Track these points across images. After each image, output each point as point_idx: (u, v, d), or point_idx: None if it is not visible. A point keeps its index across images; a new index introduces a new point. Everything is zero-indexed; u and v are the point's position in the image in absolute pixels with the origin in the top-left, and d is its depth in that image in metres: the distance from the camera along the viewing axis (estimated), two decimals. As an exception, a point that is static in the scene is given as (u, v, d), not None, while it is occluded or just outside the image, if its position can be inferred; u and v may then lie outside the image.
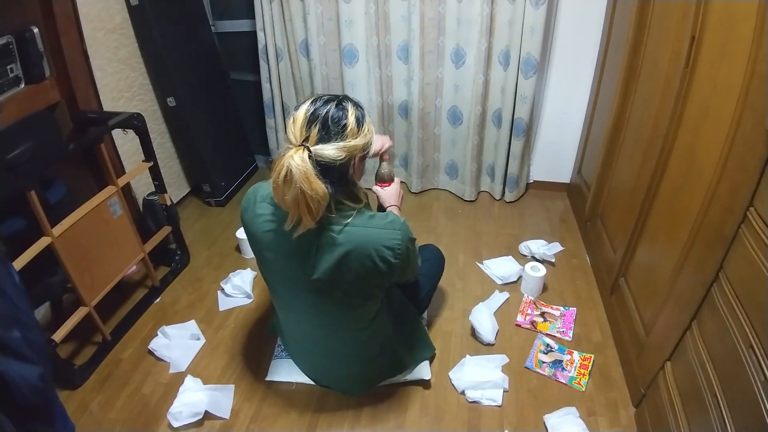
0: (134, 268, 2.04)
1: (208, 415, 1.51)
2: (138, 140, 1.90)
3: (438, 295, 1.94)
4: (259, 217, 1.20)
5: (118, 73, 2.10)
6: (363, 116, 1.10)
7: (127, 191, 2.09)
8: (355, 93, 2.40)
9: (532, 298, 1.90)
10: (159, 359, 1.72)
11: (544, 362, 1.65)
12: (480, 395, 1.54)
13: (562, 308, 1.86)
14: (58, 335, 1.55)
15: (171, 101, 2.30)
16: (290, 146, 1.02)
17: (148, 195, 2.15)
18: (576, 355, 1.67)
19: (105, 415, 1.54)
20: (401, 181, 2.30)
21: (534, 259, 2.12)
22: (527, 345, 1.72)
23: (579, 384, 1.58)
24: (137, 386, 1.63)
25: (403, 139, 2.54)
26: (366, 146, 1.11)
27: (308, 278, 1.18)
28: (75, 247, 1.57)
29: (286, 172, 0.99)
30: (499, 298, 1.92)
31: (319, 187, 1.00)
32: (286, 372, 1.62)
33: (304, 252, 1.16)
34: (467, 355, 1.66)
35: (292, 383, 1.62)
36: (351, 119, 1.05)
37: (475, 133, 2.34)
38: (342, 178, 1.09)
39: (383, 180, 1.64)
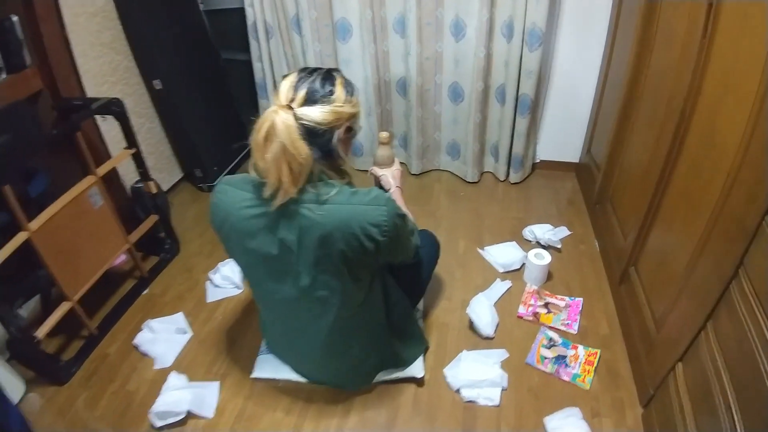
0: (123, 258, 1.98)
1: (191, 414, 1.45)
2: (135, 121, 1.86)
3: (435, 284, 1.84)
4: (240, 201, 1.12)
5: (102, 57, 2.02)
6: (352, 88, 1.08)
7: (114, 179, 2.02)
8: (350, 70, 2.26)
9: (536, 288, 1.79)
10: (144, 354, 1.67)
11: (546, 358, 1.55)
12: (476, 394, 1.45)
13: (567, 298, 1.75)
14: (41, 332, 1.50)
15: (157, 84, 2.21)
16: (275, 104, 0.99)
17: (136, 183, 2.07)
18: (581, 349, 1.56)
19: (90, 413, 1.50)
20: (401, 163, 2.20)
21: (539, 244, 2.00)
22: (529, 339, 1.62)
23: (583, 382, 1.47)
24: (123, 382, 1.58)
25: (401, 118, 2.40)
26: (353, 118, 1.08)
27: (292, 263, 1.12)
28: (54, 241, 1.51)
29: (269, 127, 0.95)
30: (500, 287, 1.81)
31: (302, 146, 0.97)
32: (272, 369, 1.55)
33: (286, 235, 1.09)
34: (464, 351, 1.57)
35: (278, 380, 1.54)
36: (339, 86, 1.04)
37: (477, 111, 2.20)
38: (326, 147, 1.04)
39: (383, 162, 1.54)
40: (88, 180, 1.63)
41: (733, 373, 0.96)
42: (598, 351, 1.55)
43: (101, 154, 1.89)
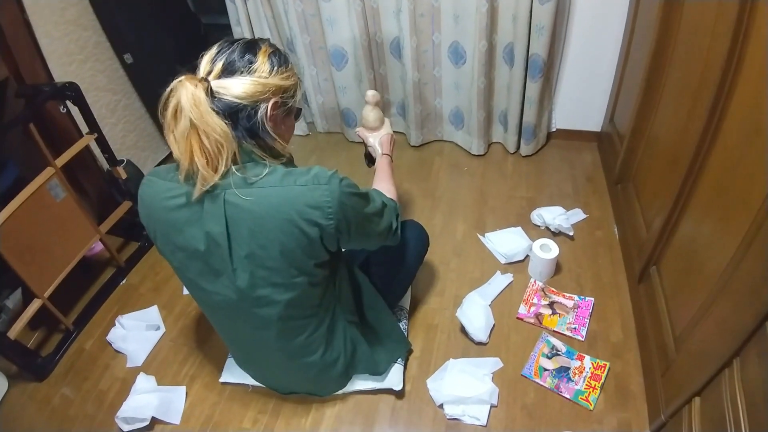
0: (100, 246, 1.87)
1: (158, 419, 1.37)
2: (103, 101, 1.82)
3: (427, 275, 1.65)
4: (164, 192, 0.97)
5: (68, 35, 1.88)
6: (282, 59, 0.96)
7: (89, 164, 1.88)
8: (336, 30, 1.99)
9: (541, 284, 1.57)
10: (117, 352, 1.59)
11: (546, 370, 1.35)
12: (461, 411, 1.28)
13: (576, 297, 1.52)
14: (14, 331, 1.47)
15: (128, 58, 2.07)
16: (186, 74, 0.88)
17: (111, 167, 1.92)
18: (587, 361, 1.35)
19: (65, 412, 1.45)
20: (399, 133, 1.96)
21: (548, 231, 1.75)
22: (528, 345, 1.42)
23: (587, 400, 1.27)
24: (96, 380, 1.52)
25: (398, 83, 2.14)
26: (284, 92, 0.95)
27: (224, 259, 0.97)
28: (16, 239, 1.43)
29: (176, 102, 0.84)
30: (500, 281, 1.60)
31: (216, 121, 0.85)
32: (241, 373, 1.42)
33: (212, 227, 0.94)
34: (450, 359, 1.38)
35: (247, 386, 1.42)
36: (262, 56, 0.92)
37: (481, 74, 1.91)
38: (252, 125, 0.92)
39: (370, 125, 1.40)
40: (47, 173, 1.53)
41: (753, 420, 0.78)
42: (607, 364, 1.34)
43: (69, 138, 1.75)
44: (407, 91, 2.07)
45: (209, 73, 0.89)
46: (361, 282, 1.27)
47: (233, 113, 0.89)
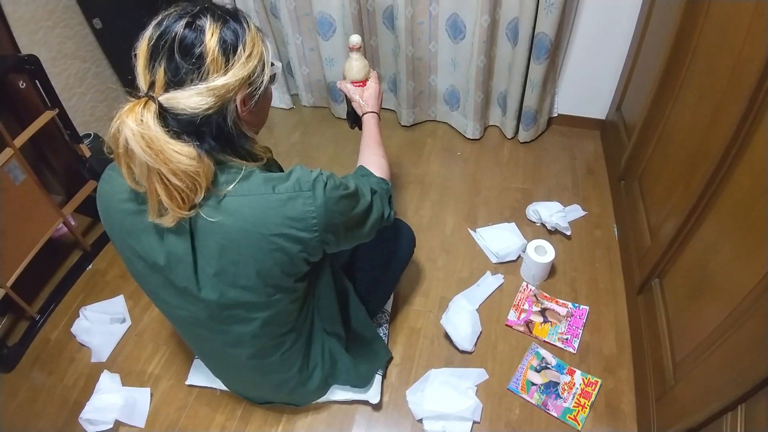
0: (63, 228, 1.73)
1: (122, 422, 1.29)
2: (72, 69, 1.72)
3: (412, 273, 1.54)
4: (121, 193, 0.81)
5: (35, 0, 1.71)
6: (239, 34, 0.74)
7: (58, 138, 1.71)
8: (325, -3, 1.80)
9: (533, 288, 1.46)
10: (82, 345, 1.49)
11: (534, 384, 1.26)
12: (441, 428, 1.20)
13: (570, 305, 1.42)
14: None
15: (97, 23, 1.89)
16: (129, 100, 0.69)
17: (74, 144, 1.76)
18: (578, 376, 1.27)
19: (31, 407, 1.37)
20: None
21: (544, 228, 1.64)
22: (516, 356, 1.33)
23: (575, 420, 1.20)
24: (61, 374, 1.44)
25: (389, 57, 1.96)
26: (252, 75, 0.76)
27: (188, 276, 0.83)
28: None
29: (125, 143, 0.67)
30: (489, 283, 1.49)
31: (179, 151, 0.68)
32: (209, 375, 1.32)
33: (174, 241, 0.80)
34: (432, 370, 1.29)
35: (215, 390, 1.32)
36: (211, 43, 0.71)
37: (481, 52, 1.74)
38: (222, 133, 0.76)
39: (354, 76, 1.22)
40: (5, 154, 1.39)
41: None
42: (599, 381, 1.26)
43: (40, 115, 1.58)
44: (400, 66, 1.90)
45: (152, 85, 0.71)
46: (347, 288, 1.15)
47: (196, 128, 0.72)
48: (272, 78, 0.82)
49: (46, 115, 1.53)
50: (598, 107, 1.93)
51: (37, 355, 1.48)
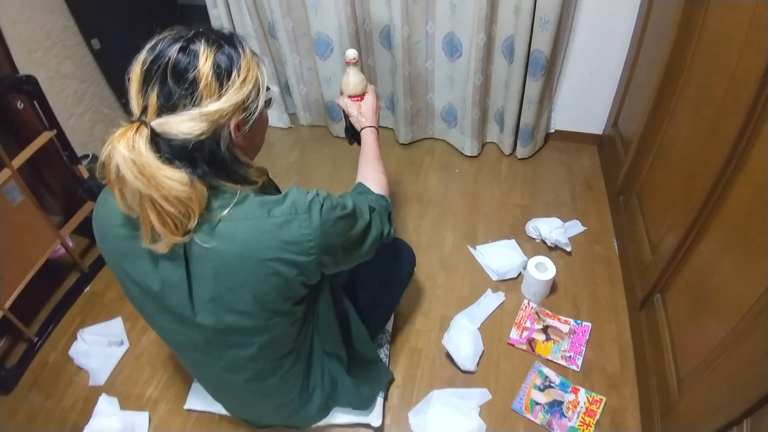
0: (61, 250, 1.72)
1: None
2: (70, 90, 1.72)
3: (412, 292, 1.53)
4: (117, 217, 0.79)
5: (33, 20, 1.72)
6: (233, 59, 0.73)
7: (55, 158, 1.71)
8: (321, 16, 1.82)
9: (534, 306, 1.45)
10: (80, 367, 1.47)
11: (538, 404, 1.24)
12: (445, 451, 1.17)
13: (572, 322, 1.41)
14: None
15: (95, 43, 1.92)
16: (122, 124, 0.68)
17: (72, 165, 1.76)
18: (582, 394, 1.25)
19: (29, 429, 1.34)
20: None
21: (544, 244, 1.63)
22: (519, 375, 1.31)
23: (581, 440, 1.17)
24: (59, 397, 1.41)
25: (387, 75, 1.97)
26: (246, 103, 0.75)
27: (183, 303, 0.81)
28: None
29: (116, 169, 0.66)
30: (491, 301, 1.48)
31: (171, 177, 0.67)
32: (208, 400, 1.29)
33: (169, 268, 0.79)
34: (435, 390, 1.27)
35: (214, 414, 1.30)
36: (204, 68, 0.70)
37: (478, 69, 1.75)
38: (216, 159, 0.74)
39: (351, 90, 1.21)
40: (3, 175, 1.38)
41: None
42: (603, 399, 1.24)
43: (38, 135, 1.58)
44: (397, 85, 1.92)
45: (144, 110, 0.70)
46: (347, 308, 1.14)
47: (189, 154, 0.70)
48: (267, 103, 0.82)
49: (44, 136, 1.53)
50: (594, 122, 1.94)
51: (35, 378, 1.46)
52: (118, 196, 0.71)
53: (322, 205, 0.78)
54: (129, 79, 0.72)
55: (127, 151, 0.65)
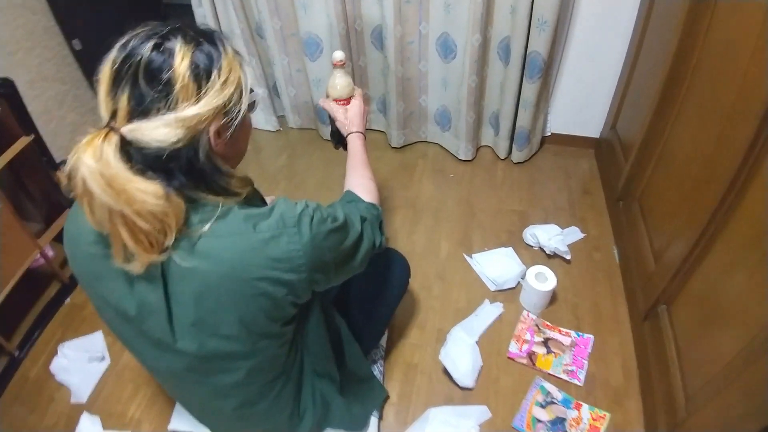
0: (42, 259, 1.65)
1: None
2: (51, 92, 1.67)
3: (407, 304, 1.47)
4: (87, 234, 0.72)
5: (14, 20, 1.66)
6: (213, 58, 0.66)
7: (35, 164, 1.63)
8: (310, 15, 1.75)
9: (534, 317, 1.40)
10: (61, 384, 1.40)
11: (540, 421, 1.19)
12: (444, 473, 1.11)
13: (574, 333, 1.36)
14: None
15: (76, 44, 1.84)
16: (90, 131, 0.61)
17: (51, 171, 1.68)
18: (585, 411, 1.20)
19: None
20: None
21: (542, 252, 1.58)
22: (520, 391, 1.26)
23: (585, 460, 1.12)
24: (41, 414, 1.34)
25: (378, 77, 1.91)
26: (228, 104, 0.68)
27: (162, 328, 0.74)
28: None
29: (83, 183, 0.59)
30: (488, 312, 1.43)
31: (144, 190, 0.61)
32: (193, 420, 1.22)
33: (145, 290, 0.72)
34: (431, 408, 1.21)
35: (199, 436, 1.23)
36: (180, 67, 0.63)
37: (473, 71, 1.70)
38: (194, 169, 0.67)
39: (337, 94, 1.15)
40: None
41: None
42: (607, 415, 1.19)
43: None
44: (389, 87, 1.86)
45: (114, 115, 0.63)
46: (339, 325, 1.08)
47: (164, 163, 0.64)
48: (251, 106, 0.75)
49: (22, 141, 1.46)
50: (591, 126, 1.89)
51: (18, 392, 1.39)
52: (86, 210, 0.64)
53: (312, 218, 0.72)
54: (98, 80, 0.65)
55: (93, 161, 0.58)
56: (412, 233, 1.69)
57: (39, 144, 1.52)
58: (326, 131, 2.09)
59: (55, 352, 1.46)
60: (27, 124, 1.47)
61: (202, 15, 1.92)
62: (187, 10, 1.97)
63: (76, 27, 1.83)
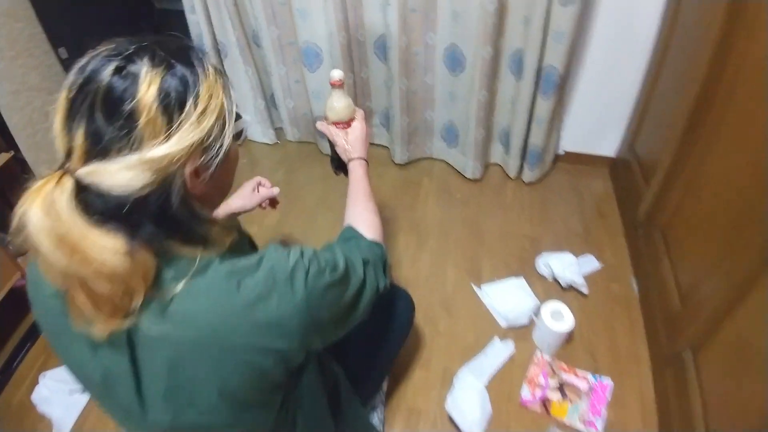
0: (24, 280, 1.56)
1: None
2: (36, 103, 1.58)
3: (410, 341, 1.35)
4: (49, 286, 0.60)
5: None
6: (188, 83, 0.54)
7: (20, 178, 1.58)
8: (310, 24, 1.65)
9: (548, 358, 1.29)
10: (43, 416, 1.33)
11: (554, 479, 1.08)
12: None
13: (591, 377, 1.25)
14: None
15: (62, 52, 1.78)
16: (43, 175, 0.52)
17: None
18: (606, 468, 1.09)
19: None
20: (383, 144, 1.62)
21: (556, 283, 1.47)
22: (532, 442, 1.15)
23: None
24: None
25: (382, 89, 1.80)
26: (207, 142, 0.55)
27: (129, 398, 0.63)
28: None
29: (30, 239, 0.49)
30: (499, 352, 1.32)
31: (102, 248, 0.50)
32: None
33: (110, 356, 0.60)
34: (437, 464, 1.11)
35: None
36: (146, 97, 0.51)
37: (482, 85, 1.59)
38: (163, 216, 0.55)
39: (336, 116, 1.04)
40: None
41: None
42: (631, 475, 1.08)
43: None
44: (393, 100, 1.75)
45: (69, 154, 0.52)
46: (337, 374, 0.97)
47: (128, 212, 0.52)
48: (237, 135, 0.64)
49: (2, 158, 1.40)
50: (608, 144, 1.78)
51: (1, 417, 1.34)
52: (41, 267, 0.53)
53: (307, 272, 0.61)
54: (54, 109, 0.53)
55: (42, 215, 0.48)
56: (416, 260, 1.58)
57: (20, 161, 1.45)
58: (326, 145, 1.99)
59: (36, 381, 1.38)
60: (7, 139, 1.41)
61: (196, 22, 1.81)
62: (181, 17, 1.86)
63: (63, 35, 1.75)
